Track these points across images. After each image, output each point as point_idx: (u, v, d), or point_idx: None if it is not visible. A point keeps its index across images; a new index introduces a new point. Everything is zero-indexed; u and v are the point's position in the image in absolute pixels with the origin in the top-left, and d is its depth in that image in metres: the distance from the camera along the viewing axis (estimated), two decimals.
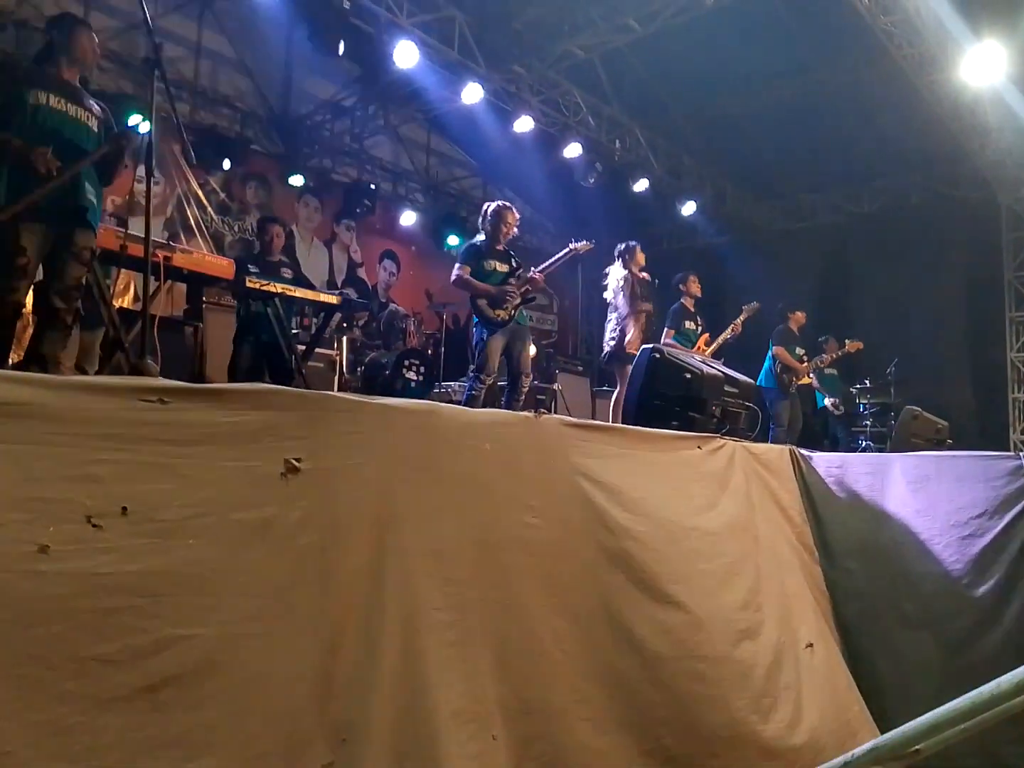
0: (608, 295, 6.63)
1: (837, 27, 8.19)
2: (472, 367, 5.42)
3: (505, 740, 2.29)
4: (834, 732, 3.39)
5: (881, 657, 4.01)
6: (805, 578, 4.10)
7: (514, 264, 5.48)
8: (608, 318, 6.61)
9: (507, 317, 5.24)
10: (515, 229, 5.59)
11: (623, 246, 6.48)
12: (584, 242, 5.69)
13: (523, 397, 5.46)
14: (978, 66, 7.15)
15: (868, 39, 7.55)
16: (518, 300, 5.31)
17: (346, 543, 2.06)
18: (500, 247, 5.50)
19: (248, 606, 1.81)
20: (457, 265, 5.40)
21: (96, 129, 3.52)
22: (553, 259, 5.68)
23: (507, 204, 5.58)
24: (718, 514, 3.51)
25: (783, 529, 4.13)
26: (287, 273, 5.80)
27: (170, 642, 1.65)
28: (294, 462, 1.95)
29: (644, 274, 6.42)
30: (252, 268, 5.45)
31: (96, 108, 3.58)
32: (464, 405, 5.15)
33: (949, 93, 7.97)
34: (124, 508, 1.62)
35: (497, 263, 5.41)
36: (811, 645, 3.60)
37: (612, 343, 6.34)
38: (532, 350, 5.63)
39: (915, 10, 7.05)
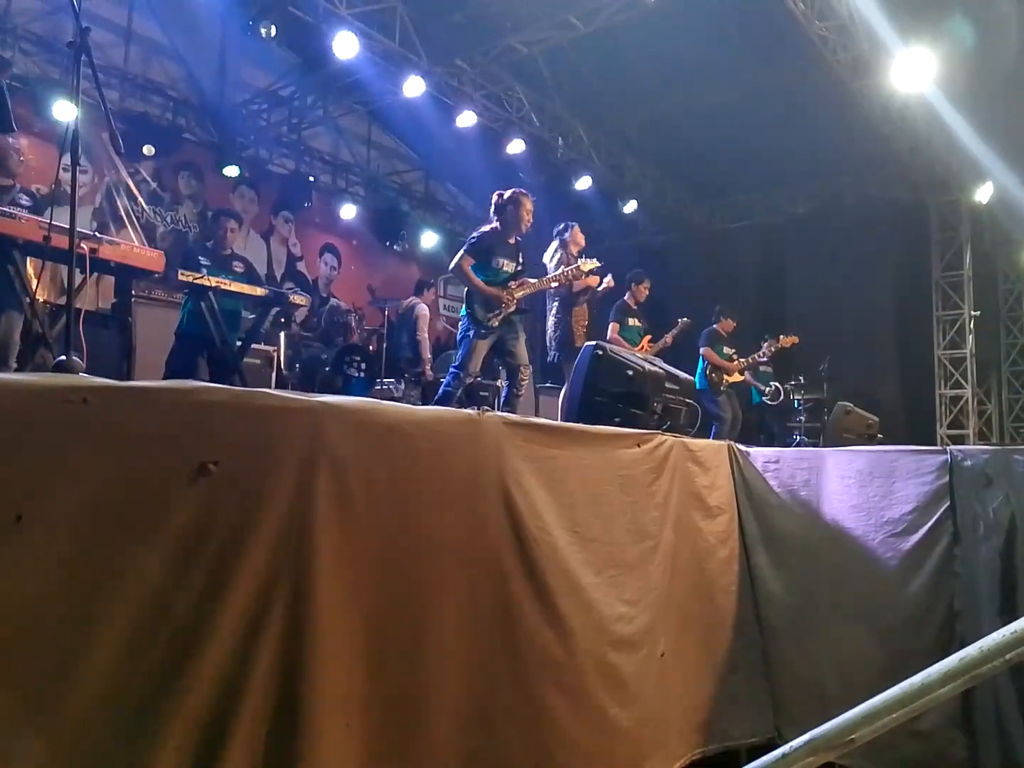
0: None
1: (775, 31, 8.33)
2: (454, 362, 5.17)
3: (359, 729, 2.18)
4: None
5: (821, 650, 4.09)
6: (713, 580, 4.18)
7: (519, 263, 5.23)
8: (548, 307, 6.18)
9: (496, 324, 5.06)
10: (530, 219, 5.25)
11: (561, 226, 6.18)
12: (593, 260, 5.41)
13: (523, 391, 5.21)
14: (907, 72, 7.38)
15: (804, 44, 7.70)
16: (512, 308, 5.10)
17: (247, 548, 1.96)
18: (513, 240, 5.23)
19: (132, 615, 1.73)
20: (461, 254, 5.10)
21: None
22: (560, 272, 5.46)
23: (523, 191, 5.22)
24: (627, 522, 3.54)
25: (699, 531, 4.16)
26: (239, 267, 5.62)
27: (40, 652, 1.59)
28: (211, 466, 1.86)
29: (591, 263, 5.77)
30: (203, 261, 5.27)
31: None
32: (438, 401, 5.00)
33: (880, 98, 8.20)
34: (19, 516, 1.54)
35: (506, 261, 5.14)
36: (663, 654, 3.67)
37: (557, 339, 6.03)
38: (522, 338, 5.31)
39: (849, 16, 7.24)
